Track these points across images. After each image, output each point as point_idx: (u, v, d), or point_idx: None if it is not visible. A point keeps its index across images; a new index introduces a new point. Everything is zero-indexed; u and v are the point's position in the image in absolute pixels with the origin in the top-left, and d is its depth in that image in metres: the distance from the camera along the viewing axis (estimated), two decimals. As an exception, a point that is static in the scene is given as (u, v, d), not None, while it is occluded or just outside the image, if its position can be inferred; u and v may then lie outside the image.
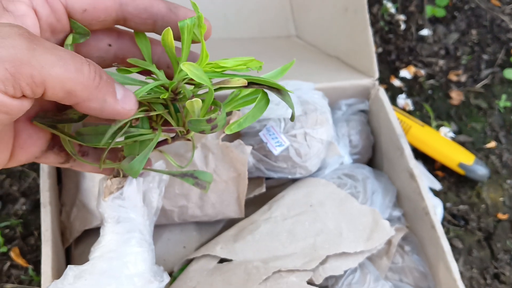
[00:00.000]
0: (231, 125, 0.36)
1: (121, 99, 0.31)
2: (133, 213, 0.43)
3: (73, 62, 0.27)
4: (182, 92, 0.36)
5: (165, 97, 0.35)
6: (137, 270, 0.41)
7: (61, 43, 0.33)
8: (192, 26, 0.35)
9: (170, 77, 0.38)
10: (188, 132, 0.39)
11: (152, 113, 0.36)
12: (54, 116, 0.34)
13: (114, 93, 0.31)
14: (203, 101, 0.34)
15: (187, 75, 0.34)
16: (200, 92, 0.36)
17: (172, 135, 0.39)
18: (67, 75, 0.27)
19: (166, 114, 0.37)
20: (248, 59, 0.36)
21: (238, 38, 0.85)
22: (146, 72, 0.37)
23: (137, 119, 0.37)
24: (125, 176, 0.41)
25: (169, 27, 0.34)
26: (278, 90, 0.35)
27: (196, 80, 0.32)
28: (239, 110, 0.50)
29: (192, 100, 0.32)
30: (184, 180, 0.43)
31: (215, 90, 0.34)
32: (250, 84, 0.35)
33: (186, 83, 0.35)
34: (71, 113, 0.35)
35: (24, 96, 0.26)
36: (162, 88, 0.36)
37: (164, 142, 0.40)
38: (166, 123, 0.39)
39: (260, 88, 0.35)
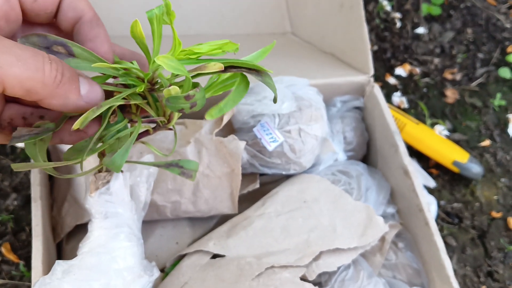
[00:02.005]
0: (212, 110, 0.35)
1: (85, 94, 0.31)
2: (120, 208, 0.42)
3: (34, 61, 0.27)
4: (159, 81, 0.35)
5: (141, 90, 0.34)
6: (127, 264, 0.41)
7: (15, 33, 0.33)
8: (160, 15, 0.34)
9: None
10: (169, 121, 0.38)
11: (132, 102, 0.35)
12: (29, 132, 0.33)
13: (78, 89, 0.31)
14: (180, 87, 0.33)
15: (158, 66, 0.34)
16: (178, 80, 0.35)
17: (153, 125, 0.39)
18: (26, 75, 0.27)
19: (145, 104, 0.36)
20: (223, 42, 0.35)
21: (233, 34, 0.84)
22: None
23: (115, 115, 0.37)
24: (110, 171, 0.41)
25: (136, 19, 0.34)
26: (258, 72, 0.34)
27: (172, 71, 0.32)
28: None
29: (169, 88, 0.32)
30: (170, 170, 0.43)
31: (192, 77, 0.34)
32: (228, 68, 0.34)
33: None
34: (45, 123, 0.35)
35: None
36: (138, 80, 0.35)
37: (145, 133, 0.39)
38: (145, 115, 0.38)
39: (239, 71, 0.34)
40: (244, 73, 0.35)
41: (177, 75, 0.34)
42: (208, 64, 0.33)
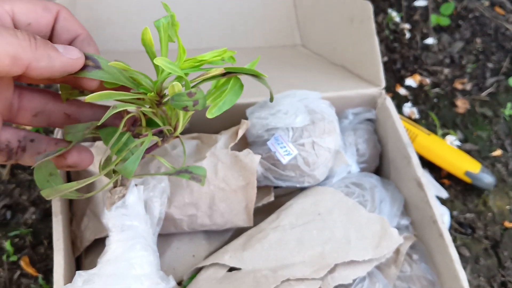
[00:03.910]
0: (212, 108, 0.40)
1: (64, 50, 0.35)
2: (136, 220, 0.44)
3: (6, 31, 0.31)
4: (166, 94, 0.39)
5: (151, 96, 0.38)
6: (144, 272, 0.42)
7: None
8: (167, 24, 0.38)
9: None
10: (175, 129, 0.42)
11: (144, 109, 0.39)
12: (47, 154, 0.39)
13: (55, 48, 0.34)
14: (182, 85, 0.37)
15: (168, 74, 0.38)
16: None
17: (161, 138, 0.43)
18: (5, 41, 0.30)
19: (153, 114, 0.40)
20: (222, 50, 0.40)
21: (244, 47, 0.85)
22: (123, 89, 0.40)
23: (134, 124, 0.42)
24: (124, 185, 0.43)
25: (147, 27, 0.38)
26: (254, 76, 0.40)
27: (169, 71, 0.36)
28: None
29: (173, 84, 0.36)
30: (180, 176, 0.45)
31: (199, 83, 0.39)
32: (227, 73, 0.40)
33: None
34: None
35: None
36: (149, 89, 0.39)
37: (154, 146, 0.42)
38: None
39: (237, 75, 0.40)
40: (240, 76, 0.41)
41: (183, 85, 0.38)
42: (211, 70, 0.39)
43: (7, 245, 0.67)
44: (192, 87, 0.38)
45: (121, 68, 0.37)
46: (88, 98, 0.35)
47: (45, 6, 0.37)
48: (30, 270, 0.65)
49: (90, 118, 0.43)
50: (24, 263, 0.66)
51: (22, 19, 0.35)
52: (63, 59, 0.34)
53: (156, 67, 0.39)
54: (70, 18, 0.38)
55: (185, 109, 0.37)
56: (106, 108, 0.43)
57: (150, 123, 0.43)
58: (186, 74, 0.38)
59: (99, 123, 0.37)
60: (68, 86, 0.40)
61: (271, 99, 0.43)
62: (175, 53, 0.40)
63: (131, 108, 0.39)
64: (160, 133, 0.43)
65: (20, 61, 0.31)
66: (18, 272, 0.65)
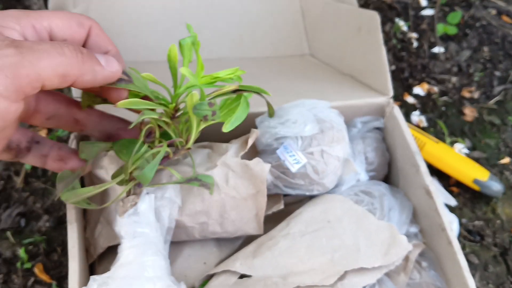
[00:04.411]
0: (226, 123, 0.45)
1: (106, 64, 0.36)
2: (147, 228, 0.46)
3: (54, 48, 0.32)
4: (181, 108, 0.43)
5: (172, 106, 0.42)
6: (156, 274, 0.44)
7: None
8: (191, 44, 0.42)
9: None
10: (187, 142, 0.46)
11: (164, 119, 0.43)
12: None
13: (99, 61, 0.35)
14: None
15: (186, 89, 0.42)
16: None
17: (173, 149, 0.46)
18: (55, 61, 0.31)
19: (167, 127, 0.44)
20: (235, 69, 0.46)
21: (253, 57, 0.87)
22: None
23: (149, 136, 0.45)
24: (137, 194, 0.45)
25: (174, 44, 0.41)
26: (258, 93, 0.48)
27: (191, 81, 0.41)
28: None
29: (192, 93, 0.40)
30: (191, 184, 0.48)
31: (213, 98, 0.44)
32: (238, 90, 0.46)
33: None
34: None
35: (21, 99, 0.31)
36: (166, 103, 0.44)
37: (166, 158, 0.46)
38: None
39: (246, 92, 0.46)
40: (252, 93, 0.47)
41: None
42: (224, 86, 0.45)
43: (21, 252, 0.68)
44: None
45: (149, 80, 0.40)
46: (120, 104, 0.38)
47: (79, 22, 0.38)
48: (44, 277, 0.66)
49: (96, 126, 0.45)
50: (38, 270, 0.67)
51: (59, 35, 0.37)
52: (105, 73, 0.35)
53: (175, 82, 0.42)
54: (101, 33, 0.40)
55: (205, 118, 0.41)
56: (113, 117, 0.46)
57: (163, 135, 0.45)
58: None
59: (130, 126, 0.40)
60: (92, 94, 0.42)
61: (270, 115, 0.53)
62: (191, 68, 0.43)
63: (148, 118, 0.41)
64: (171, 145, 0.45)
65: (68, 77, 0.32)
66: (32, 279, 0.66)
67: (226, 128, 0.45)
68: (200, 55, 0.44)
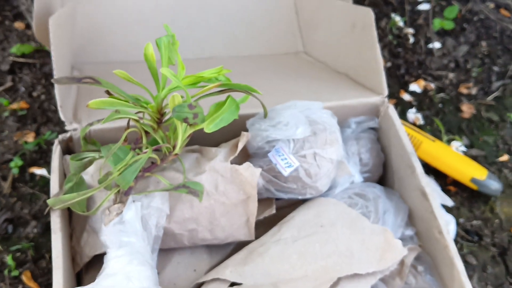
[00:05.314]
0: (209, 123, 0.43)
1: None
2: (133, 237, 0.45)
3: None
4: (167, 112, 0.42)
5: (152, 107, 0.41)
6: (142, 285, 0.43)
7: None
8: (168, 42, 0.41)
9: None
10: (174, 148, 0.44)
11: (145, 120, 0.42)
12: None
13: None
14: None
15: (169, 90, 0.41)
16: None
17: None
18: None
19: (153, 131, 0.43)
20: (219, 68, 0.44)
21: (246, 55, 0.85)
22: None
23: (136, 142, 0.44)
24: (123, 203, 0.44)
25: (149, 42, 0.41)
26: (247, 92, 0.46)
27: (173, 82, 0.39)
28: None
29: (173, 95, 0.38)
30: (178, 191, 0.47)
31: (198, 99, 0.43)
32: (225, 90, 0.44)
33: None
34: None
35: None
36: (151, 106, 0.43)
37: (154, 165, 0.45)
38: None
39: (233, 91, 0.45)
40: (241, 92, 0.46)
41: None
42: (208, 85, 0.42)
43: (8, 259, 0.66)
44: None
45: (123, 78, 0.39)
46: (90, 104, 0.36)
47: None
48: (32, 284, 0.65)
49: None
50: (26, 278, 0.65)
51: None
52: None
53: (157, 83, 0.41)
54: None
55: (186, 120, 0.39)
56: None
57: (152, 143, 0.44)
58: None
59: (103, 122, 0.39)
60: None
61: (265, 116, 0.49)
62: (173, 69, 0.41)
63: (133, 120, 0.41)
64: (160, 152, 0.44)
65: None
66: (20, 287, 0.65)
67: (208, 129, 0.43)
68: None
